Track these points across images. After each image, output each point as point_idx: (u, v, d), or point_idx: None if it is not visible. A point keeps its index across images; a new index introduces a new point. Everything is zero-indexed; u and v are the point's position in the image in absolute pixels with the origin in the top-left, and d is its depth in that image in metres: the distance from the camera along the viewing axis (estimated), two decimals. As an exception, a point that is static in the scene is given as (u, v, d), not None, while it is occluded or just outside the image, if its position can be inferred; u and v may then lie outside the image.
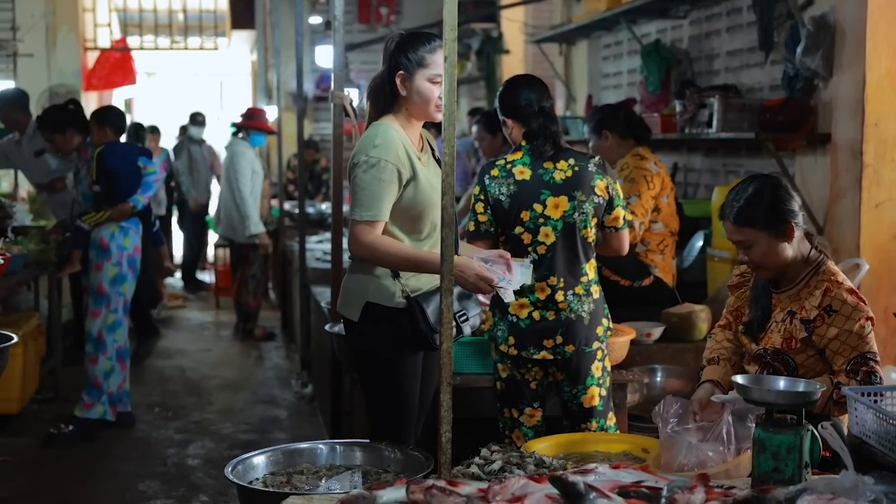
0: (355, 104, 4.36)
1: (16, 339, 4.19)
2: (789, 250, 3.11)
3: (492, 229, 3.74)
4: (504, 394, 3.82)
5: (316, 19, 12.48)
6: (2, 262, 5.30)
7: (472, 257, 3.31)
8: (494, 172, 3.73)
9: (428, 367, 3.51)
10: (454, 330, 3.29)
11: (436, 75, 3.29)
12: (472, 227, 3.76)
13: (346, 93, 4.83)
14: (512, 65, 11.32)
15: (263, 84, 11.99)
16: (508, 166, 3.72)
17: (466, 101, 13.12)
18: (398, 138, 3.31)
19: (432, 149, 3.53)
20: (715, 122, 5.68)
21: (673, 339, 4.95)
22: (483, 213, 3.73)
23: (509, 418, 3.82)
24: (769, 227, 3.08)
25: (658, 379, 4.86)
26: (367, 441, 3.33)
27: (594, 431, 3.70)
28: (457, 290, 3.31)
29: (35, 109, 10.57)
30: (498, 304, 3.76)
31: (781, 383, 2.70)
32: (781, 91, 5.67)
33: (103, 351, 5.96)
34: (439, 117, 3.28)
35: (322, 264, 6.90)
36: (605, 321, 3.75)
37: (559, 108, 9.76)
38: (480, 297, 3.55)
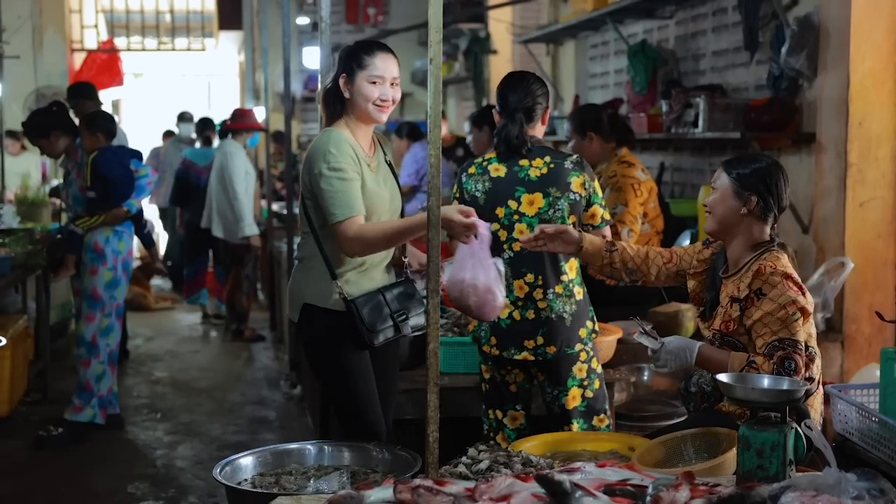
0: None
1: (4, 341, 4.20)
2: (739, 219, 3.26)
3: None
4: (488, 395, 3.84)
5: (303, 20, 12.49)
6: (-11, 264, 5.29)
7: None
8: (472, 170, 3.78)
9: (382, 366, 3.59)
10: (392, 330, 3.49)
11: (374, 76, 3.46)
12: None
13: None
14: (499, 65, 11.34)
15: (251, 85, 11.98)
16: (485, 164, 3.75)
17: (455, 102, 13.15)
18: (348, 144, 3.44)
19: (384, 152, 3.64)
20: (701, 122, 5.71)
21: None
22: None
23: (493, 420, 3.84)
24: (737, 182, 3.26)
25: (645, 378, 4.89)
26: (356, 442, 3.34)
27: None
28: (397, 290, 3.53)
29: (22, 112, 10.59)
30: None
31: (765, 381, 2.73)
32: (767, 91, 5.71)
33: (96, 355, 5.96)
34: (381, 117, 3.49)
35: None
36: (589, 323, 3.75)
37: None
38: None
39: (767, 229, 3.28)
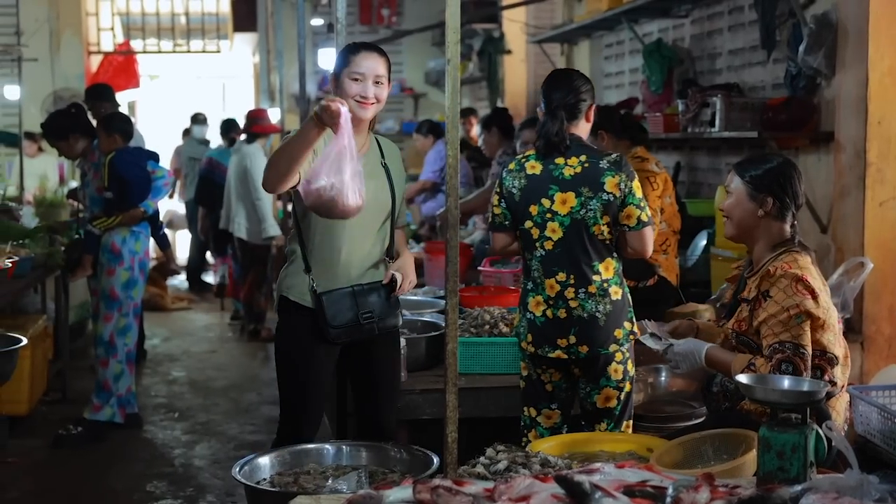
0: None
1: (25, 341, 4.23)
2: (757, 221, 3.27)
3: (506, 222, 3.77)
4: (525, 392, 3.83)
5: (318, 21, 12.49)
6: (10, 265, 5.32)
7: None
8: (511, 166, 3.77)
9: (378, 366, 3.68)
10: (356, 329, 3.54)
11: (356, 73, 3.55)
12: (490, 219, 3.86)
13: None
14: (513, 65, 11.33)
15: (266, 86, 12.02)
16: (523, 160, 3.74)
17: (469, 102, 13.14)
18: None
19: (382, 154, 3.69)
20: (717, 122, 5.69)
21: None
22: (498, 205, 3.78)
23: (528, 417, 3.81)
24: (751, 185, 3.27)
25: (662, 378, 4.86)
26: (373, 442, 3.35)
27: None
28: (372, 291, 3.59)
29: (40, 114, 10.64)
30: (521, 301, 3.78)
31: (786, 382, 2.72)
32: (784, 90, 5.69)
33: (114, 354, 6.00)
34: (362, 114, 3.54)
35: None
36: (627, 324, 3.68)
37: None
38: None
39: (787, 227, 3.28)
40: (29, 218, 7.91)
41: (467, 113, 10.93)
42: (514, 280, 5.42)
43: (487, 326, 4.24)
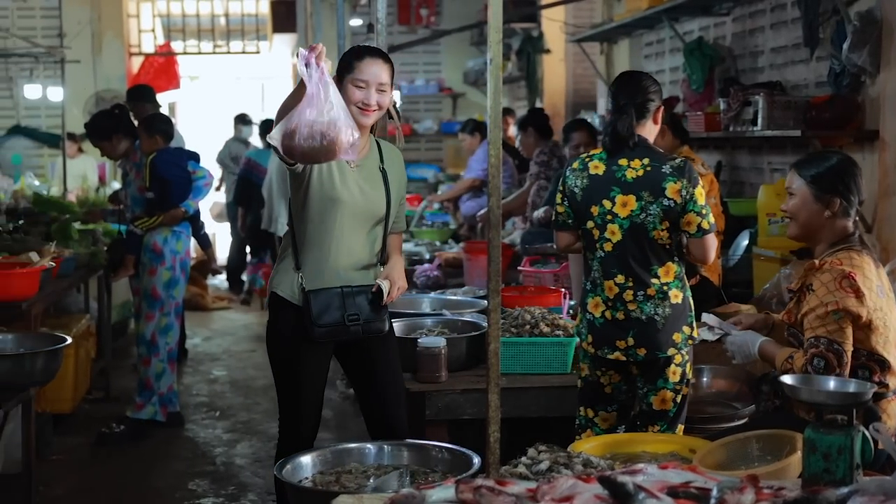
0: (398, 105, 4.43)
1: (69, 340, 4.28)
2: (824, 222, 3.23)
3: (569, 221, 3.76)
4: (582, 392, 3.81)
5: (356, 21, 12.53)
6: (54, 265, 5.38)
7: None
8: (575, 165, 3.74)
9: (379, 365, 3.71)
10: (340, 329, 3.56)
11: (359, 80, 3.52)
12: (553, 217, 3.86)
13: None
14: (552, 64, 11.30)
15: (305, 86, 12.05)
16: (587, 160, 3.71)
17: (507, 101, 13.12)
18: None
19: (381, 159, 3.71)
20: (760, 120, 5.64)
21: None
22: (560, 203, 3.78)
23: (584, 417, 3.79)
24: (815, 185, 3.22)
25: (704, 379, 4.82)
26: (415, 441, 3.36)
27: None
28: (361, 293, 3.61)
29: (82, 115, 10.75)
30: (581, 301, 3.78)
31: (832, 384, 2.69)
32: (827, 88, 5.63)
33: (156, 353, 6.05)
34: (363, 121, 3.54)
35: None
36: (686, 328, 3.65)
37: (601, 107, 9.74)
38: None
39: (850, 224, 3.25)
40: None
41: (504, 113, 10.91)
42: (553, 280, 5.41)
43: (528, 326, 4.23)
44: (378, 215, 3.67)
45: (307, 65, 3.15)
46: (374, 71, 3.53)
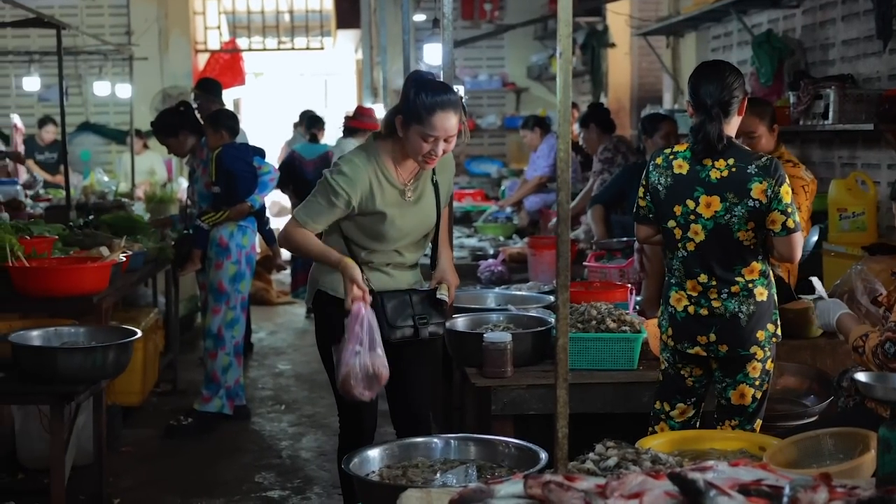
0: (464, 101, 4.42)
1: (140, 333, 4.34)
2: None
3: (650, 215, 3.72)
4: (661, 385, 3.79)
5: (420, 17, 12.56)
6: (124, 259, 5.47)
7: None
8: (658, 161, 3.68)
9: (406, 360, 3.80)
10: (411, 330, 3.71)
11: (428, 134, 3.50)
12: (634, 209, 3.83)
13: (454, 89, 4.85)
14: (617, 59, 11.22)
15: (369, 82, 12.11)
16: (671, 157, 3.64)
17: (572, 96, 13.03)
18: (367, 176, 3.58)
19: (434, 170, 3.73)
20: (831, 114, 5.55)
21: (788, 335, 4.82)
22: (643, 197, 3.74)
23: (660, 410, 3.76)
24: None
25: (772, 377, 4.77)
26: (482, 436, 3.35)
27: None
28: (422, 296, 3.75)
29: (149, 112, 10.92)
30: (664, 293, 3.75)
31: (907, 381, 2.64)
32: (900, 80, 5.52)
33: (222, 347, 6.12)
34: (425, 167, 3.62)
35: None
36: (770, 326, 3.60)
37: (666, 102, 9.65)
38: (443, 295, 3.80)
39: None
40: (140, 213, 8.13)
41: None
42: (619, 275, 5.37)
43: (594, 322, 4.20)
44: (430, 227, 3.79)
45: (356, 317, 3.45)
46: (445, 125, 3.50)
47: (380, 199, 3.62)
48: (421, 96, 3.51)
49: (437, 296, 3.77)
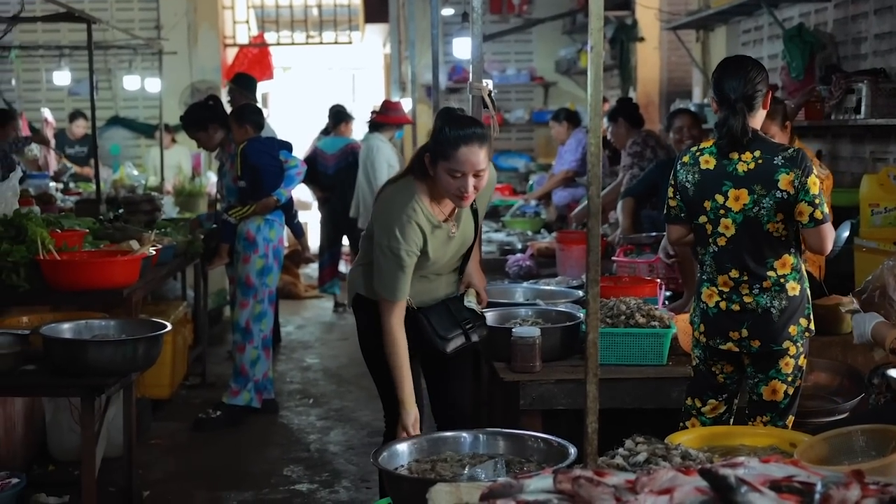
0: (493, 94, 4.44)
1: (169, 327, 4.36)
2: None
3: (682, 214, 3.72)
4: (692, 381, 3.78)
5: (448, 11, 12.55)
6: (154, 252, 5.50)
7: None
8: (685, 159, 3.69)
9: (444, 365, 3.87)
10: (463, 338, 3.76)
11: (455, 170, 3.48)
12: (665, 210, 3.82)
13: (483, 83, 4.84)
14: (646, 53, 11.15)
15: (397, 77, 12.12)
16: (697, 154, 3.65)
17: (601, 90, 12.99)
18: (416, 223, 3.57)
19: (475, 211, 3.79)
20: (864, 108, 5.50)
21: (819, 331, 4.78)
22: (673, 197, 3.73)
23: (691, 406, 3.76)
24: None
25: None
26: (511, 431, 3.35)
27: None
28: (459, 302, 3.81)
29: (178, 106, 10.98)
30: (696, 290, 3.74)
31: (941, 378, 2.61)
32: (935, 75, 5.46)
33: (250, 340, 6.15)
34: (461, 205, 3.61)
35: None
36: (803, 321, 3.59)
37: (696, 96, 9.59)
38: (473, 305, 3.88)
39: None
40: (169, 207, 8.18)
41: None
42: (648, 270, 5.34)
43: (623, 317, 4.19)
44: (468, 245, 3.84)
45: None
46: (471, 160, 3.48)
47: (431, 245, 3.66)
48: (445, 131, 3.51)
49: (465, 304, 3.84)
